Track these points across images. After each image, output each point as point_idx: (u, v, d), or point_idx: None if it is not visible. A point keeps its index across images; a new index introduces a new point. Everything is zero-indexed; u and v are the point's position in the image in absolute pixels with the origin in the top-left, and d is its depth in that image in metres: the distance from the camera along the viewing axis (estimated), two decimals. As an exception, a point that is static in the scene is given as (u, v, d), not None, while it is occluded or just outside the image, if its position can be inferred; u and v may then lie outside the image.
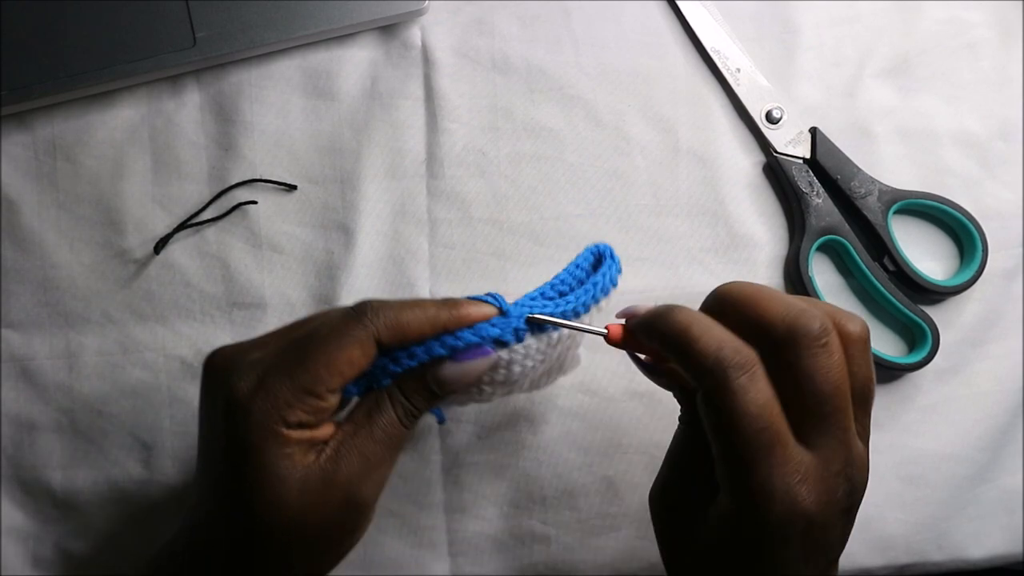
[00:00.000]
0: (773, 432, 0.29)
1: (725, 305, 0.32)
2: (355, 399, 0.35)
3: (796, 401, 0.30)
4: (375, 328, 0.32)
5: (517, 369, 0.35)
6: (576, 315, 0.36)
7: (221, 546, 0.33)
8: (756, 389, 0.29)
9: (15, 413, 0.48)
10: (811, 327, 0.29)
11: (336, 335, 0.32)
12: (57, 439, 0.48)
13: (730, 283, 0.33)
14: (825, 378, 0.29)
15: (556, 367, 0.39)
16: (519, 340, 0.35)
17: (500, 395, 0.38)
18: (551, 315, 0.35)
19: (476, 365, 0.34)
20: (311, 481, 0.32)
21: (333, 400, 0.32)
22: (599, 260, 0.38)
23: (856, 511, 0.32)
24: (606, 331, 0.35)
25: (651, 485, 0.36)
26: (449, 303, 0.34)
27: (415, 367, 0.34)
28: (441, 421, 0.41)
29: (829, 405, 0.30)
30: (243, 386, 0.32)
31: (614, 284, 0.38)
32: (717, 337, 0.30)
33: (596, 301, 0.37)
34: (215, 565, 0.33)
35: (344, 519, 0.33)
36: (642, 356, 0.36)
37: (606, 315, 0.38)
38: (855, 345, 0.31)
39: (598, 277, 0.37)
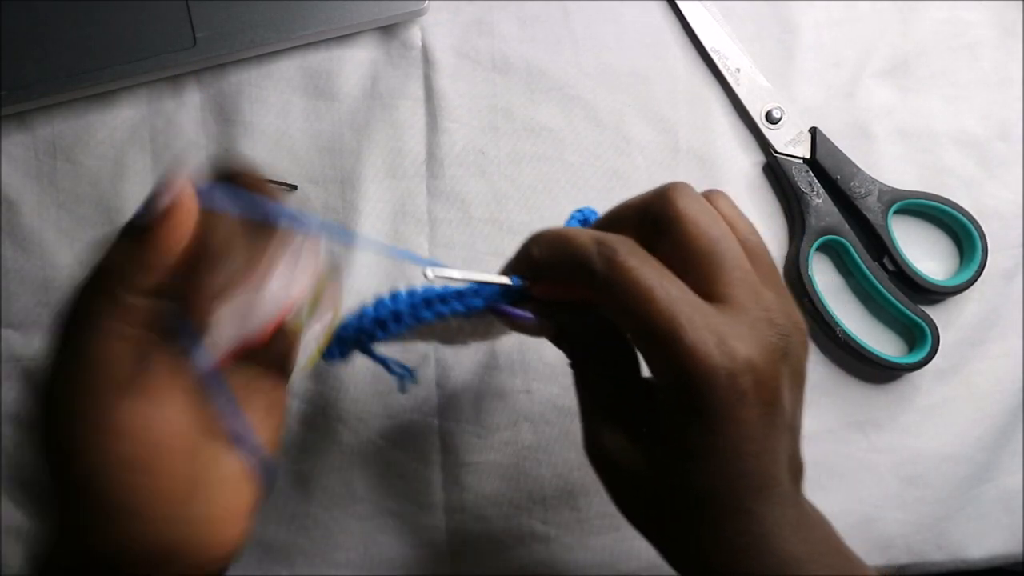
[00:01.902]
0: (682, 294, 0.28)
1: (613, 220, 0.33)
2: None
3: (687, 266, 0.29)
4: None
5: (453, 324, 0.34)
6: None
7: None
8: (644, 261, 0.29)
9: (15, 413, 0.48)
10: (679, 188, 0.30)
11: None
12: (57, 439, 0.48)
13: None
14: (702, 223, 0.29)
15: (479, 333, 0.38)
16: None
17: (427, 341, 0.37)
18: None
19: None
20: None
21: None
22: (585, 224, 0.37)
23: (800, 368, 0.30)
24: (512, 281, 0.33)
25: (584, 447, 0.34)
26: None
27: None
28: (404, 378, 0.38)
29: (718, 252, 0.29)
30: None
31: None
32: (588, 233, 0.30)
33: None
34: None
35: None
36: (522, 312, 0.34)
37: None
38: (719, 200, 0.31)
39: None
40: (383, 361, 0.36)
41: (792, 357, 0.30)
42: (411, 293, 0.33)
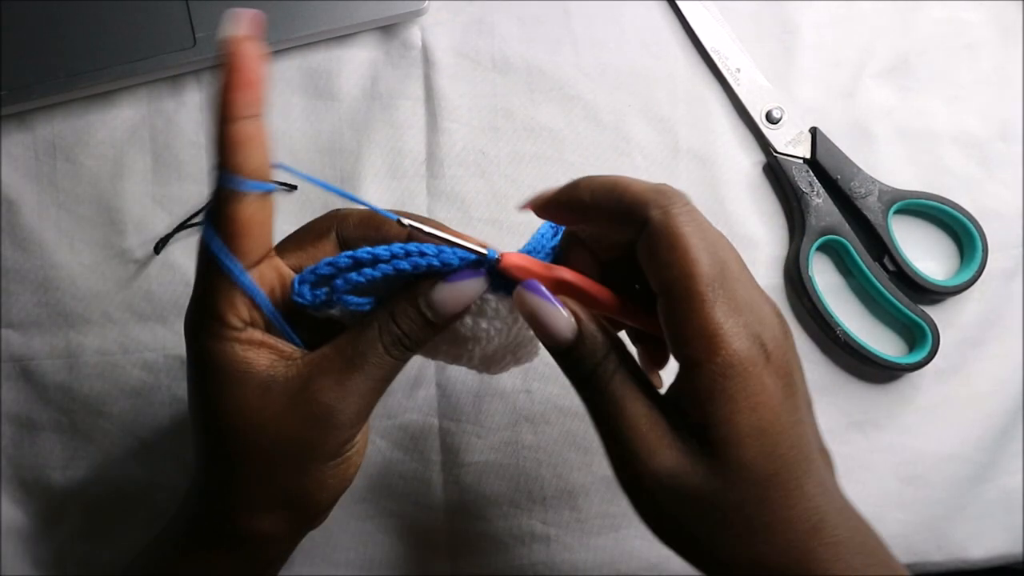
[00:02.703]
0: (721, 264, 0.29)
1: (596, 191, 0.32)
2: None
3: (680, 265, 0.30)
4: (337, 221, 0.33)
5: (484, 325, 0.34)
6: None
7: (200, 474, 0.32)
8: (694, 219, 0.29)
9: (15, 413, 0.48)
10: (669, 194, 0.30)
11: (225, 215, 0.30)
12: (57, 439, 0.48)
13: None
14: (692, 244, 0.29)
15: (512, 347, 0.38)
16: (493, 282, 0.33)
17: (464, 357, 0.36)
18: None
19: (468, 287, 0.32)
20: (275, 387, 0.30)
21: (262, 272, 0.31)
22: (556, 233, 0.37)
23: (798, 362, 0.31)
24: (488, 251, 0.32)
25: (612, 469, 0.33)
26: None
27: (397, 281, 0.32)
28: None
29: (706, 259, 0.29)
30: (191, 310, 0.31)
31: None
32: (643, 183, 0.30)
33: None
34: (194, 495, 0.33)
35: (316, 435, 0.31)
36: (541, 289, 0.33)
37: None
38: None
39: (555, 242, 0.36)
40: (350, 303, 0.33)
41: (793, 350, 0.30)
42: (384, 246, 0.32)
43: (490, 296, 0.33)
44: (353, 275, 0.32)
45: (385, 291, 0.33)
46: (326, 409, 0.31)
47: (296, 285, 0.32)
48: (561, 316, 0.30)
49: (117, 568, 0.47)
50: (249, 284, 0.30)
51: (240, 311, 0.30)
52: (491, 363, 0.38)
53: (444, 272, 0.32)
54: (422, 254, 0.32)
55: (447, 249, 0.32)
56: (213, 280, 0.30)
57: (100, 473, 0.48)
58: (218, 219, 0.30)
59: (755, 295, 0.30)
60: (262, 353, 0.31)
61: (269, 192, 0.31)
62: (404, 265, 0.32)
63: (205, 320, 0.30)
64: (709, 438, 0.28)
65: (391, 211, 0.32)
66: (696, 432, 0.29)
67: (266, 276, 0.32)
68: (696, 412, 0.29)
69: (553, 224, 0.36)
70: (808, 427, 0.30)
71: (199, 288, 0.31)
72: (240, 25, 0.29)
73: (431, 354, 0.37)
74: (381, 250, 0.32)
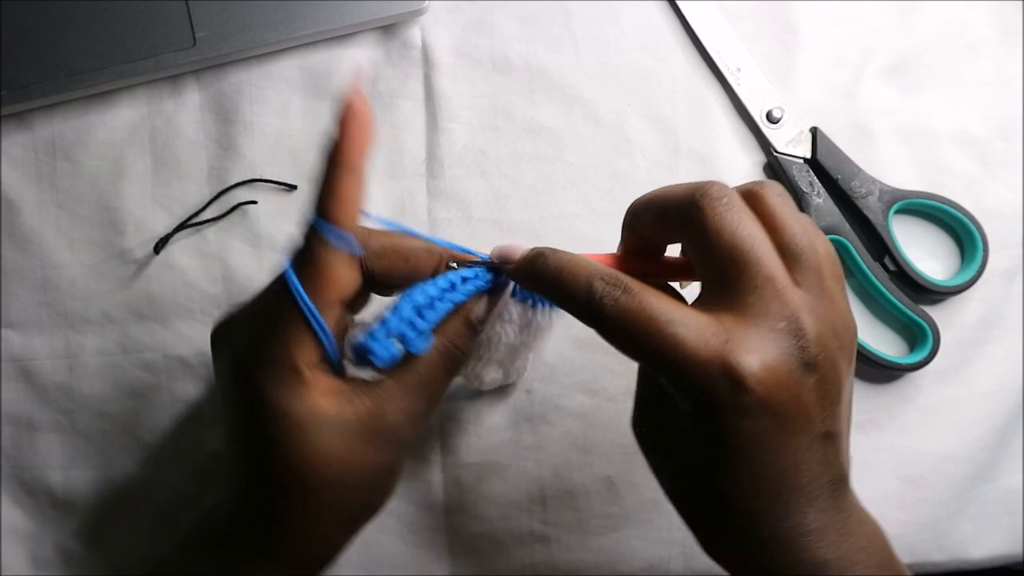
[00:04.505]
0: (677, 310, 0.29)
1: (637, 210, 0.33)
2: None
3: (710, 269, 0.30)
4: (360, 246, 0.33)
5: (498, 330, 0.37)
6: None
7: (262, 515, 0.33)
8: (739, 204, 0.30)
9: (15, 413, 0.48)
10: (709, 189, 0.30)
11: (313, 261, 0.31)
12: (57, 439, 0.48)
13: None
14: (725, 228, 0.29)
15: (508, 359, 0.40)
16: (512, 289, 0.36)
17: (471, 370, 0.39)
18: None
19: (504, 297, 0.35)
20: (351, 428, 0.31)
21: (332, 321, 0.32)
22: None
23: (834, 376, 0.29)
24: (490, 260, 0.35)
25: (631, 424, 0.34)
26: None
27: (449, 309, 0.34)
28: None
29: (738, 259, 0.29)
30: (242, 342, 0.32)
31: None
32: (680, 187, 0.31)
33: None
34: (257, 533, 0.33)
35: (395, 459, 0.33)
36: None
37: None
38: (764, 201, 0.30)
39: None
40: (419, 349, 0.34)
41: (824, 365, 0.29)
42: (432, 282, 0.34)
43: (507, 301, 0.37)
44: (419, 322, 0.33)
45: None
46: (402, 435, 0.32)
47: (369, 344, 0.32)
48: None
49: (117, 568, 0.47)
50: (326, 331, 0.31)
51: (309, 356, 0.31)
52: (482, 379, 0.41)
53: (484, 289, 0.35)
54: (464, 280, 0.35)
55: (480, 270, 0.35)
56: (286, 322, 0.31)
57: (100, 473, 0.48)
58: (303, 263, 0.31)
59: (761, 309, 0.29)
60: (329, 397, 0.31)
61: (352, 251, 0.32)
62: (460, 296, 0.34)
63: (271, 365, 0.31)
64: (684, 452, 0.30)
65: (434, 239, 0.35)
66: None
67: (330, 322, 0.32)
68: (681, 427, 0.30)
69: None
70: (802, 459, 0.29)
71: (266, 327, 0.31)
72: (360, 82, 0.30)
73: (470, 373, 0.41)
74: (432, 290, 0.34)
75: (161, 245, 0.48)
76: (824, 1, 0.51)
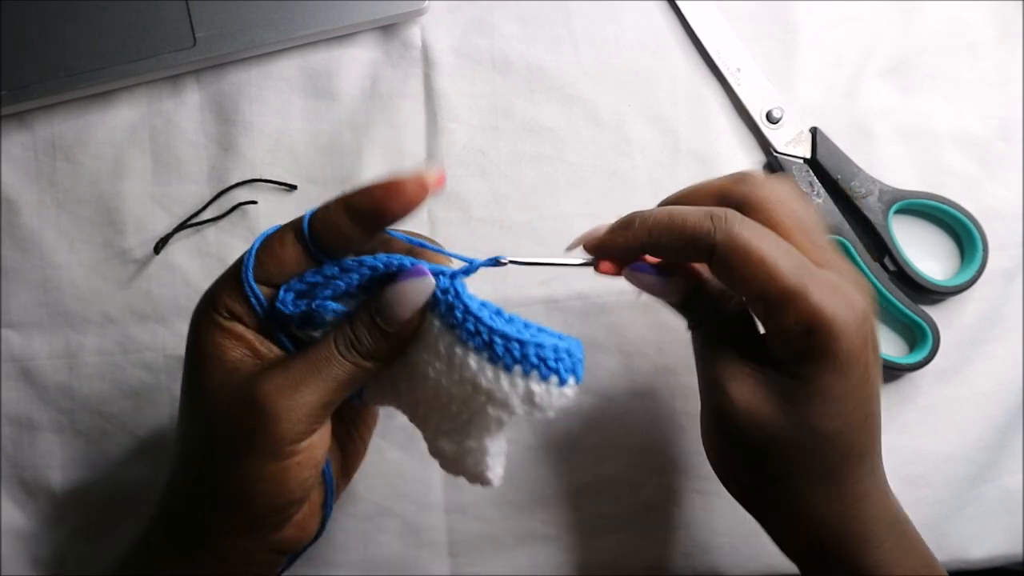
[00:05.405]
0: (800, 259, 0.32)
1: (655, 240, 0.34)
2: None
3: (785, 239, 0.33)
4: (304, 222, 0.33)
5: (437, 364, 0.33)
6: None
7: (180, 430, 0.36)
8: (756, 230, 0.32)
9: (15, 413, 0.48)
10: (750, 177, 0.35)
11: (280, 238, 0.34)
12: (57, 439, 0.48)
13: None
14: (787, 201, 0.34)
15: (457, 431, 0.34)
16: (450, 291, 0.32)
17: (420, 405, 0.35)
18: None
19: (413, 286, 0.32)
20: (234, 377, 0.32)
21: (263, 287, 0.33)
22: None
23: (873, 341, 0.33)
24: (593, 262, 0.35)
25: (700, 430, 0.37)
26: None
27: (360, 289, 0.33)
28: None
29: (810, 226, 0.34)
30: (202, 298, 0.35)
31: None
32: (697, 209, 0.33)
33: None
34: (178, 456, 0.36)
35: (252, 427, 0.32)
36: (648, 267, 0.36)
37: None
38: (790, 181, 0.35)
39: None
40: (328, 309, 0.34)
41: (875, 329, 0.33)
42: (377, 255, 0.34)
43: (447, 335, 0.32)
44: (337, 281, 0.33)
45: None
46: (269, 404, 0.32)
47: (281, 293, 0.33)
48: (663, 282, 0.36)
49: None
50: (251, 281, 0.33)
51: (233, 306, 0.33)
52: (443, 450, 0.35)
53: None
54: (393, 260, 0.33)
55: (416, 260, 0.33)
56: (227, 274, 0.34)
57: (100, 473, 0.48)
58: (274, 235, 0.33)
59: (841, 264, 0.33)
60: (238, 345, 0.33)
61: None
62: (377, 264, 0.33)
63: (203, 304, 0.34)
64: (797, 392, 0.32)
65: (411, 234, 0.35)
66: (786, 382, 0.32)
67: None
68: (790, 367, 0.32)
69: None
70: (875, 403, 0.34)
71: (220, 279, 0.34)
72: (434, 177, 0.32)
73: (393, 398, 0.36)
74: (367, 259, 0.33)
75: (161, 245, 0.48)
76: (824, 1, 0.51)
